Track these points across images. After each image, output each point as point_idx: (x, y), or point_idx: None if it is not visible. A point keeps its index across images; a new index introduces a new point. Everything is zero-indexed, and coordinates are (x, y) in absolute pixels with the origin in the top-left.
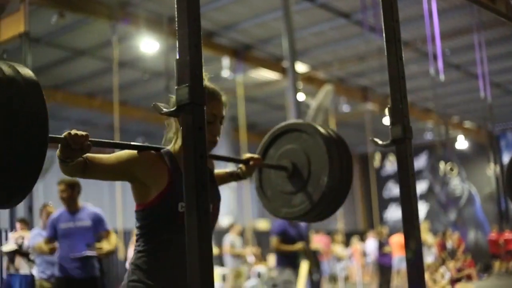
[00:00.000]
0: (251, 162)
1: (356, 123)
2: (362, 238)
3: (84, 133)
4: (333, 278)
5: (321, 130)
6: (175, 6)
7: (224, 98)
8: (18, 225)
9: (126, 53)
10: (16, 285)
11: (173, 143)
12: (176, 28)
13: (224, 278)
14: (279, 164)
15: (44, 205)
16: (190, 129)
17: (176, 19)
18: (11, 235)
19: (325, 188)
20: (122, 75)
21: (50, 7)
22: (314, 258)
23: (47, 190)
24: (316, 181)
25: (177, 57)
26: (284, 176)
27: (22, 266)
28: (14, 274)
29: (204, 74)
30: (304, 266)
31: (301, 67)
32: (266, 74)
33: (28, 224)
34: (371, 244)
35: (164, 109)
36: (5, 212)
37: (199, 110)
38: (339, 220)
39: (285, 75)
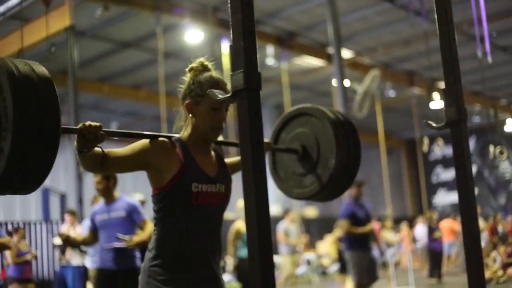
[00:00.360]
0: None
1: (402, 108)
2: (411, 224)
3: (97, 124)
4: (384, 264)
5: (329, 114)
6: None
7: (229, 87)
8: (67, 217)
9: (171, 44)
10: (69, 276)
11: (183, 131)
12: (230, 14)
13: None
14: (290, 147)
15: (95, 196)
16: (245, 114)
17: (229, 5)
18: (62, 228)
19: (332, 170)
20: (167, 66)
21: (95, 0)
22: None
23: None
24: (324, 163)
25: (231, 43)
26: (295, 158)
27: (74, 258)
28: (66, 266)
29: (209, 63)
30: None
31: (345, 53)
32: (310, 61)
33: (76, 215)
34: (420, 229)
35: (220, 96)
36: (56, 205)
37: (255, 96)
38: (387, 206)
39: (330, 61)
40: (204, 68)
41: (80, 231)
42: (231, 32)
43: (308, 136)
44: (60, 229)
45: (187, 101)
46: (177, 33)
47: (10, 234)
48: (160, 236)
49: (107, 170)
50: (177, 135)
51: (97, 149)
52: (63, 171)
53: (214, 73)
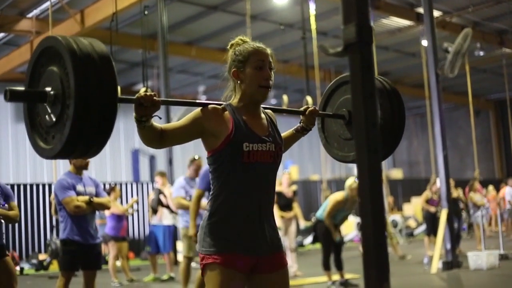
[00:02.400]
0: (307, 112)
1: (491, 68)
2: (497, 187)
3: (152, 92)
4: (471, 226)
5: None
6: None
7: (269, 50)
8: (157, 178)
9: (259, 6)
10: (160, 234)
11: (232, 98)
12: None
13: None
14: (336, 113)
15: (193, 158)
16: (358, 68)
17: None
18: (153, 189)
19: (380, 120)
20: (255, 28)
21: None
22: (454, 206)
23: (184, 145)
24: None
25: None
26: (342, 123)
27: (165, 217)
28: (157, 224)
29: (247, 39)
30: (443, 214)
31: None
32: (398, 21)
33: (166, 177)
34: (509, 192)
35: (331, 50)
36: (145, 166)
37: (367, 49)
38: (475, 168)
39: (417, 21)
40: (243, 42)
41: (170, 191)
42: None
43: None
44: (150, 189)
45: (233, 70)
46: None
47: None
48: (216, 194)
49: (166, 142)
50: (227, 102)
51: (155, 123)
52: None
53: (251, 42)
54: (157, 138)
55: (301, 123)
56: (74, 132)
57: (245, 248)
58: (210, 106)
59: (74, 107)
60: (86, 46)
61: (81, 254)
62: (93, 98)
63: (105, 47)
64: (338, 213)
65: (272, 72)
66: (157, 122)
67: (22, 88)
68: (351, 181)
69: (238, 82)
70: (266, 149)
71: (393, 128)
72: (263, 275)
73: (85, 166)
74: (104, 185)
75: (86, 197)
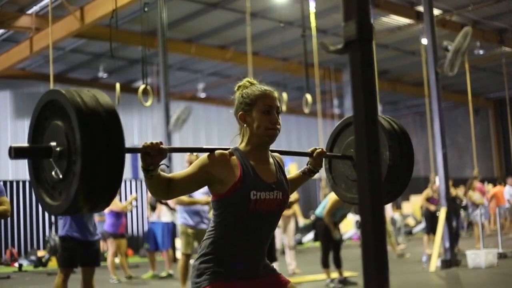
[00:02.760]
0: (314, 154)
1: (491, 67)
2: (496, 185)
3: (158, 141)
4: (470, 225)
5: (382, 121)
6: None
7: (276, 93)
8: None
9: (258, 4)
10: (159, 231)
11: (240, 142)
12: None
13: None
14: (344, 154)
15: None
16: (358, 65)
17: None
18: None
19: (389, 162)
20: (255, 26)
21: None
22: (453, 204)
23: (183, 140)
24: None
25: None
26: (350, 164)
27: (164, 214)
28: (156, 221)
29: (254, 81)
30: (442, 212)
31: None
32: (398, 19)
33: (165, 172)
34: (508, 190)
35: (331, 47)
36: None
37: (368, 47)
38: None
39: (417, 20)
40: (250, 84)
41: None
42: None
43: None
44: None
45: (240, 113)
46: None
47: None
48: (216, 236)
49: (174, 192)
50: (235, 146)
51: (163, 173)
52: (151, 132)
53: (259, 85)
54: (164, 189)
55: (309, 165)
56: (82, 190)
57: (241, 275)
58: (217, 152)
59: (81, 164)
60: (91, 100)
61: (80, 251)
62: (100, 154)
63: (110, 100)
64: (338, 211)
65: (279, 116)
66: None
67: (26, 145)
68: None
69: (245, 125)
70: (273, 197)
71: (401, 171)
72: None
73: None
74: None
75: None
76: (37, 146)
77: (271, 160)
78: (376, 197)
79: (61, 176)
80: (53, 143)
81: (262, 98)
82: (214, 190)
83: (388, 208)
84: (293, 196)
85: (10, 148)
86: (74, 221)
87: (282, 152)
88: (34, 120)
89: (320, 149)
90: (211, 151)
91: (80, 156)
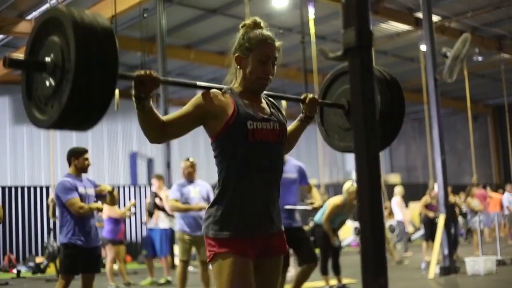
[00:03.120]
0: (307, 100)
1: (490, 74)
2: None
3: (151, 71)
4: (469, 231)
5: (375, 71)
6: None
7: (277, 43)
8: (153, 181)
9: (257, 10)
10: (157, 237)
11: (233, 83)
12: None
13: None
14: (336, 103)
15: (186, 159)
16: (358, 72)
17: None
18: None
19: (380, 105)
20: None
21: None
22: (451, 211)
23: (181, 146)
24: None
25: (343, 0)
26: (341, 113)
27: (161, 220)
28: (154, 228)
29: (263, 22)
30: (441, 219)
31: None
32: (397, 26)
33: (163, 180)
34: (507, 197)
35: (330, 54)
36: (143, 169)
37: (367, 53)
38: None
39: (416, 26)
40: (256, 25)
41: (167, 194)
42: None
43: None
44: (148, 192)
45: (236, 54)
46: None
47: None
48: (223, 177)
49: (170, 132)
50: (227, 86)
51: (156, 114)
52: None
53: (264, 30)
54: (159, 126)
55: (304, 112)
56: (73, 98)
57: (253, 230)
58: (211, 90)
59: (74, 71)
60: (89, 18)
61: (82, 258)
62: (94, 66)
63: (109, 22)
64: (336, 217)
65: (275, 67)
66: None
67: (21, 58)
68: (349, 185)
69: (238, 67)
70: (271, 128)
71: (392, 116)
72: (260, 260)
73: (86, 169)
74: None
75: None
76: (32, 59)
77: (263, 100)
78: (375, 203)
79: (54, 87)
80: (48, 58)
81: (262, 45)
82: (211, 129)
83: (397, 213)
84: (317, 201)
85: (5, 58)
86: (78, 226)
87: (273, 97)
88: (31, 38)
89: (312, 95)
90: (205, 88)
91: (74, 64)
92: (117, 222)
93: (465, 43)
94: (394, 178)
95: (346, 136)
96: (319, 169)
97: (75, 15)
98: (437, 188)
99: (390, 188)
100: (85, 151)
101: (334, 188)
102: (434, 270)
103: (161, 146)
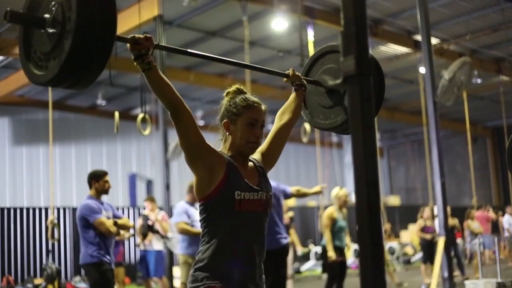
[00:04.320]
0: (291, 74)
1: (489, 96)
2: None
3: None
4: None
5: None
6: None
7: (264, 107)
8: (146, 203)
9: (257, 32)
10: (151, 259)
11: (221, 148)
12: (341, 2)
13: None
14: (317, 80)
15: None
16: (357, 100)
17: None
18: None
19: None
20: (253, 54)
21: None
22: (451, 234)
23: (181, 168)
24: None
25: (342, 29)
26: (322, 92)
27: (155, 243)
28: (148, 250)
29: (244, 90)
30: (441, 242)
31: (432, 40)
32: (395, 48)
33: (155, 202)
34: (507, 220)
35: (330, 82)
36: (142, 190)
37: (366, 81)
38: (472, 196)
39: (415, 48)
40: (240, 92)
41: (163, 215)
42: (341, 17)
43: (336, 71)
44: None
45: (225, 120)
46: (263, 21)
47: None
48: (206, 241)
49: (180, 110)
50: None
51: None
52: (149, 160)
53: (249, 96)
54: (170, 89)
55: (293, 84)
56: (68, 63)
57: (236, 285)
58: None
59: (72, 40)
60: None
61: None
62: (92, 32)
63: None
64: (337, 228)
65: (263, 130)
66: None
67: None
68: (337, 190)
69: (228, 133)
70: (258, 198)
71: (379, 92)
72: None
73: (107, 191)
74: None
75: (111, 221)
76: (33, 14)
77: (251, 164)
78: (375, 232)
79: (53, 43)
80: (47, 15)
81: (249, 110)
82: (199, 190)
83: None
84: (289, 214)
85: (6, 11)
86: (104, 245)
87: (260, 70)
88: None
89: (293, 71)
90: (197, 55)
91: (76, 15)
92: (116, 244)
93: (463, 66)
94: (393, 200)
95: (331, 114)
96: None
97: None
98: (436, 210)
99: (390, 210)
100: (105, 173)
101: None
102: None
103: (160, 168)
